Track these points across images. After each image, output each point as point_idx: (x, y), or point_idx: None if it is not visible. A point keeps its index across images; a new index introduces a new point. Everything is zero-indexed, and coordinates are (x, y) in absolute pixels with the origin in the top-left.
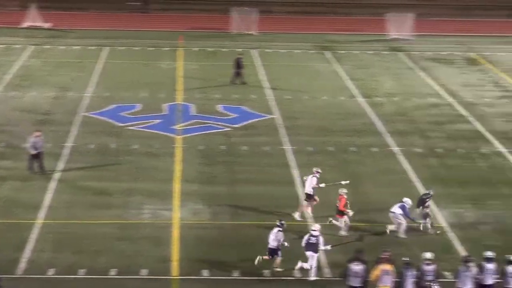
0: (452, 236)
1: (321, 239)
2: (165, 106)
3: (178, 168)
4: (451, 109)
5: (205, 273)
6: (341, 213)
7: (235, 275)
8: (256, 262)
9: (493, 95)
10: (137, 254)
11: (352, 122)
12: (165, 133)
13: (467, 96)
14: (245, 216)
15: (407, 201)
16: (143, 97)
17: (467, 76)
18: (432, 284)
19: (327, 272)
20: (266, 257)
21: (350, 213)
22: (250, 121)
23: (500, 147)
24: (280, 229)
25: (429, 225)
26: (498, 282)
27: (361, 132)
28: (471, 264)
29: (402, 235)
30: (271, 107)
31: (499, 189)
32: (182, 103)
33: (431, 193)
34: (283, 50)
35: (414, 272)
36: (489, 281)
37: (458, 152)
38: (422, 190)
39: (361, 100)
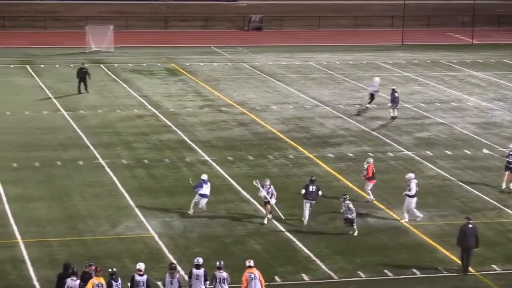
0: (161, 245)
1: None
2: None
3: None
4: (155, 119)
5: None
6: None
7: None
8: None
9: (195, 105)
10: None
11: (57, 136)
12: None
13: (170, 106)
14: None
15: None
16: None
17: (169, 86)
18: None
19: None
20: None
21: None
22: None
23: (204, 155)
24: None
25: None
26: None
27: (66, 146)
28: (175, 272)
29: None
30: None
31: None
32: None
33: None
34: None
35: (120, 282)
36: (200, 287)
37: (164, 162)
38: (130, 201)
39: (65, 113)
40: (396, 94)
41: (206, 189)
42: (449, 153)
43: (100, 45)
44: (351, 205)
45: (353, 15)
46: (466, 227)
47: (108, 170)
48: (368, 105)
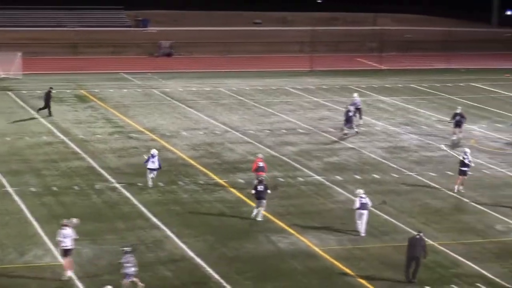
0: (70, 273)
1: None
2: None
3: None
4: (64, 146)
5: None
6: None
7: None
8: None
9: (105, 131)
10: None
11: None
12: None
13: (79, 133)
14: None
15: None
16: None
17: (78, 113)
18: None
19: None
20: None
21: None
22: None
23: (113, 182)
24: None
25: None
26: None
27: None
28: None
29: None
30: None
31: (114, 224)
32: None
33: None
34: None
35: None
36: None
37: (73, 189)
38: (39, 229)
39: None
40: (350, 113)
41: (152, 164)
42: (358, 177)
43: (7, 72)
44: (132, 258)
45: (263, 41)
46: (413, 238)
47: (16, 198)
48: (360, 121)
